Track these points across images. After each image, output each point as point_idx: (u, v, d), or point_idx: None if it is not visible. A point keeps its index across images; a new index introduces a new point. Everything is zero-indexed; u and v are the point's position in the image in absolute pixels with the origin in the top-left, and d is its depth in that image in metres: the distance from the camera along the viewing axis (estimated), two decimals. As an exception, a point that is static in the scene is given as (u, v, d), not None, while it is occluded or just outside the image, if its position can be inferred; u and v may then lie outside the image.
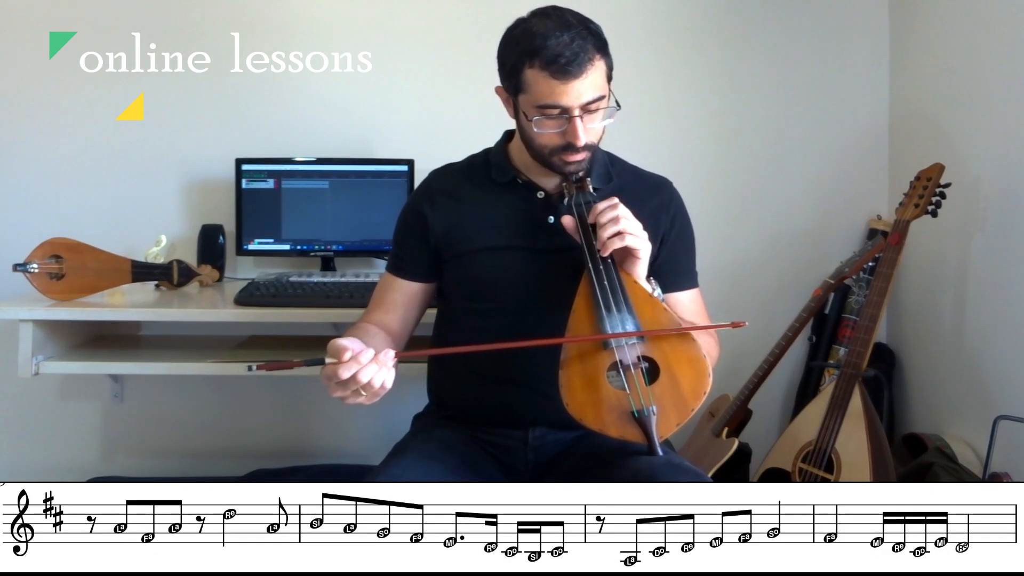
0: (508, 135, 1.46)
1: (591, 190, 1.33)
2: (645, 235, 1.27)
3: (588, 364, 1.19)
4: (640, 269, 1.27)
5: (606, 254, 1.25)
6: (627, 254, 1.26)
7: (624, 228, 1.24)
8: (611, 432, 1.16)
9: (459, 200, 1.41)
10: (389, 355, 1.12)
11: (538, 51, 1.23)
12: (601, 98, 1.27)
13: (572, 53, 1.22)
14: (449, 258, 1.41)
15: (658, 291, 1.31)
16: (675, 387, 1.18)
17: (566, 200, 1.32)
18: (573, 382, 1.18)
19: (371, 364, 1.09)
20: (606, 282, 1.23)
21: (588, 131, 1.27)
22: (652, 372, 1.19)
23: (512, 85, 1.30)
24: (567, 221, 1.29)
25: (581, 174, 1.34)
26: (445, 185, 1.44)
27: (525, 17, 1.30)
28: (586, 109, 1.26)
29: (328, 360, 1.10)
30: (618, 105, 1.30)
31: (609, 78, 1.29)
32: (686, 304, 1.43)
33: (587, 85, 1.24)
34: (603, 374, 1.18)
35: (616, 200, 1.27)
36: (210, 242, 2.24)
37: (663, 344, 1.20)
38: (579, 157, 1.30)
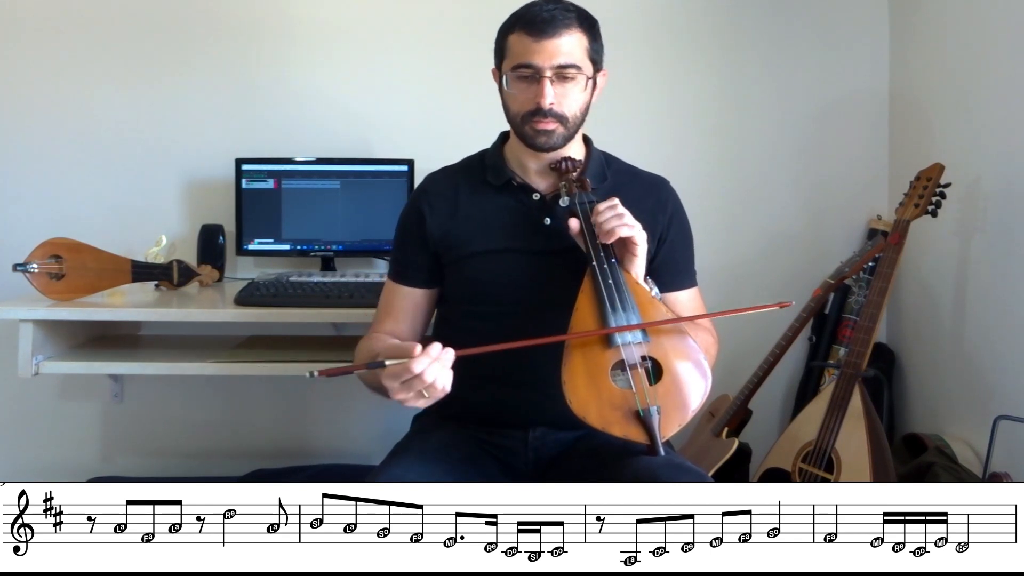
0: (504, 136, 1.46)
1: (591, 190, 1.33)
2: (644, 234, 1.28)
3: (592, 362, 1.19)
4: (639, 267, 1.28)
5: (609, 241, 1.25)
6: (626, 249, 1.27)
7: (624, 218, 1.26)
8: (614, 431, 1.16)
9: (455, 204, 1.41)
10: (449, 353, 1.12)
11: (520, 17, 1.32)
12: (576, 68, 1.30)
13: (549, 15, 1.29)
14: (448, 262, 1.41)
15: (655, 290, 1.32)
16: (677, 388, 1.18)
17: (561, 200, 1.32)
18: (576, 380, 1.18)
19: (435, 363, 1.10)
20: (611, 281, 1.24)
21: (558, 97, 1.30)
22: (655, 372, 1.19)
23: (499, 57, 1.36)
24: (573, 224, 1.29)
25: (576, 173, 1.34)
26: (441, 189, 1.44)
27: None
28: (559, 75, 1.29)
29: (390, 361, 1.10)
30: (594, 81, 1.34)
31: (593, 59, 1.33)
32: (685, 303, 1.43)
33: (561, 47, 1.28)
34: (607, 373, 1.18)
35: (616, 200, 1.28)
36: (210, 242, 2.23)
37: (666, 345, 1.21)
38: (548, 126, 1.31)
